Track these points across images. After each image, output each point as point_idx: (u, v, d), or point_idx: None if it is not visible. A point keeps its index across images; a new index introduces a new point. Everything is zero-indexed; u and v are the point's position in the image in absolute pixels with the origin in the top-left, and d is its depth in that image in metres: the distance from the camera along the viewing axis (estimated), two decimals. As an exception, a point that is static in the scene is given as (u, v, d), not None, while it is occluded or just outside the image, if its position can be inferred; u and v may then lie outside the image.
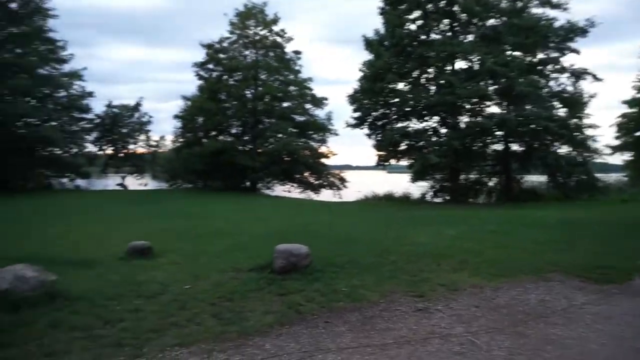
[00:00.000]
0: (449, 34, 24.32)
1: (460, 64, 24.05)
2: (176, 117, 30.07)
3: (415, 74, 25.02)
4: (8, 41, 24.97)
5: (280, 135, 28.89)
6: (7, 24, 24.83)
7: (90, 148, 31.38)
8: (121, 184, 31.09)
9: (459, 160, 23.42)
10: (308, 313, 4.81)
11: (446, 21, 24.45)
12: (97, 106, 47.26)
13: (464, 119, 24.47)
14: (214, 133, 29.31)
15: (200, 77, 30.37)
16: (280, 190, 30.37)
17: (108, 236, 9.59)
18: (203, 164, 27.31)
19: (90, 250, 7.95)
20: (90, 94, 28.45)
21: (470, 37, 24.12)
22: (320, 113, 30.57)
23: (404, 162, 26.50)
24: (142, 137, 32.72)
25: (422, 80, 25.20)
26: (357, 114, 26.01)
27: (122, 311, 4.59)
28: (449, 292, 5.64)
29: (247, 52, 29.83)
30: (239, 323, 4.39)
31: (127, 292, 5.25)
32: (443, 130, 24.74)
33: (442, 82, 23.32)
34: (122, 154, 32.19)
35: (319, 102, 30.42)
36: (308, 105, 30.53)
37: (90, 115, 29.67)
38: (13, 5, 25.01)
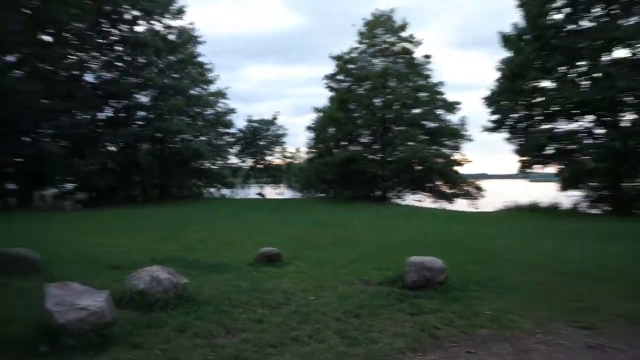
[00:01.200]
0: (605, 19, 21.06)
1: (620, 53, 20.66)
2: (309, 128, 31.13)
3: (562, 69, 22.16)
4: (168, 68, 28.45)
5: (410, 143, 27.97)
6: (167, 53, 28.31)
7: (234, 160, 34.16)
8: (260, 193, 33.14)
9: (621, 164, 20.01)
10: (445, 339, 4.13)
11: (600, 6, 21.22)
12: (239, 122, 51.67)
13: (628, 116, 20.89)
14: (344, 142, 29.59)
15: (331, 89, 31.03)
16: (412, 199, 29.37)
17: (243, 242, 9.92)
18: (334, 173, 27.71)
19: (224, 255, 8.21)
20: (233, 111, 30.96)
21: (633, 20, 20.55)
22: (452, 118, 28.96)
23: (550, 169, 23.60)
24: (279, 149, 34.59)
25: (572, 75, 22.20)
26: (495, 117, 23.98)
27: (246, 320, 4.44)
28: (631, 325, 4.45)
29: (375, 61, 29.63)
30: (365, 345, 3.91)
31: (252, 300, 5.14)
32: (599, 131, 21.45)
33: (597, 75, 20.25)
34: (261, 165, 34.36)
35: (451, 107, 28.84)
36: (439, 111, 29.14)
37: (233, 130, 32.31)
38: (172, 37, 28.49)
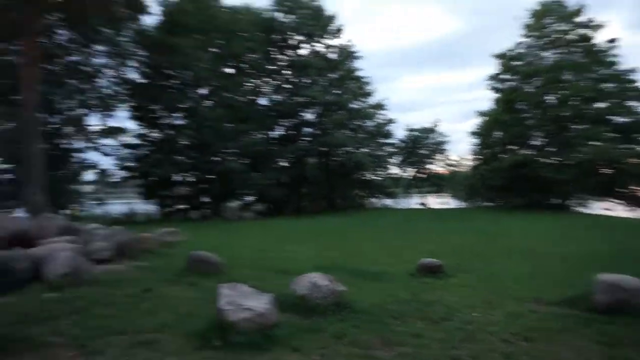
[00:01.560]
0: None
1: None
2: (472, 134, 29.49)
3: None
4: (330, 85, 30.07)
5: (594, 143, 24.26)
6: (329, 71, 29.96)
7: (395, 170, 34.29)
8: (422, 203, 32.50)
9: None
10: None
11: None
12: (399, 132, 51.83)
13: None
14: (512, 146, 27.21)
15: (495, 90, 28.96)
16: (599, 207, 25.38)
17: (404, 251, 9.76)
18: (501, 179, 25.66)
19: (385, 263, 8.17)
20: (392, 121, 31.11)
21: None
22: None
23: None
24: (440, 157, 33.52)
25: None
26: None
27: (404, 333, 4.27)
28: None
29: (545, 54, 26.67)
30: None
31: (411, 312, 4.94)
32: None
33: None
34: (422, 175, 33.75)
35: (648, 97, 24.23)
36: (631, 103, 24.69)
37: (393, 140, 32.45)
38: (332, 55, 30.10)
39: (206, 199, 28.01)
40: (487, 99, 56.85)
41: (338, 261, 8.35)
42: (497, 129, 27.81)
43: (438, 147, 32.93)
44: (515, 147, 27.08)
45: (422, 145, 32.93)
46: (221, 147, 26.07)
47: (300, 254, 9.24)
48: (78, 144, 23.89)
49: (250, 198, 28.81)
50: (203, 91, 28.07)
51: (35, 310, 4.15)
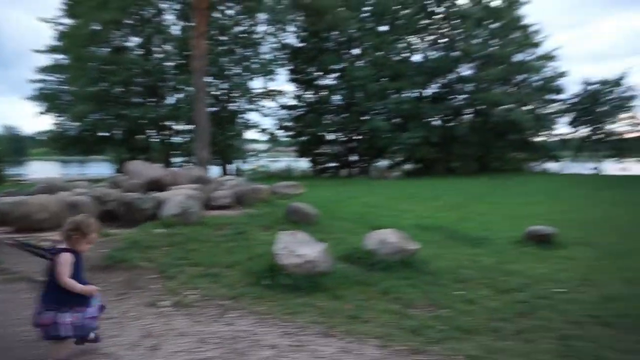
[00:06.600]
0: None
1: None
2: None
3: None
4: (491, 36, 27.44)
5: None
6: (490, 21, 27.30)
7: (565, 130, 30.10)
8: (596, 168, 28.04)
9: None
10: None
11: None
12: (573, 87, 44.37)
13: None
14: None
15: None
16: None
17: (527, 219, 8.81)
18: None
19: (497, 229, 7.60)
20: (563, 74, 27.14)
21: None
22: None
23: None
24: (625, 115, 28.12)
25: None
26: None
27: (457, 298, 4.07)
28: None
29: None
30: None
31: (483, 279, 4.62)
32: None
33: None
34: (599, 135, 28.94)
35: None
36: None
37: (564, 97, 28.38)
38: (496, 2, 27.27)
39: (355, 158, 28.90)
40: None
41: (447, 223, 8.04)
42: None
43: (623, 104, 27.58)
44: None
45: (601, 101, 27.99)
46: (370, 107, 26.33)
47: (412, 213, 9.10)
48: (243, 106, 26.80)
49: (398, 157, 28.71)
50: (356, 51, 28.45)
51: (143, 240, 5.09)
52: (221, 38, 24.96)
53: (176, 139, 26.07)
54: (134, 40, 25.00)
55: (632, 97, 27.55)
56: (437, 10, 28.04)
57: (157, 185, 7.15)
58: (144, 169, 7.43)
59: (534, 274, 4.84)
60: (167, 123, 24.94)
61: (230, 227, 6.09)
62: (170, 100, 24.95)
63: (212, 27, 22.18)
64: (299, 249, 4.33)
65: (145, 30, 24.22)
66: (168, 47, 24.82)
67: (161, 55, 24.86)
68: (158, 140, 25.74)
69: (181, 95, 24.35)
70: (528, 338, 3.29)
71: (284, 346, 3.08)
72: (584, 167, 28.59)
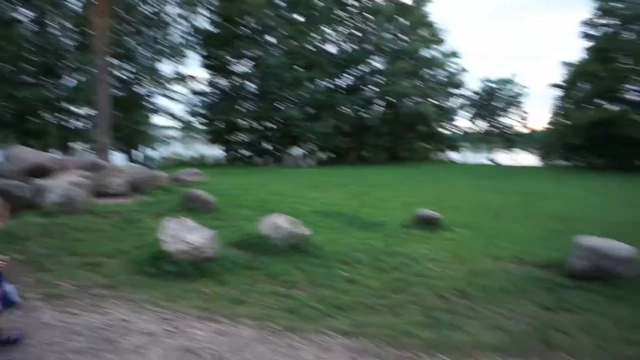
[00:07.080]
0: None
1: None
2: (554, 85, 26.87)
3: None
4: (400, 32, 28.66)
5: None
6: (399, 17, 28.49)
7: (464, 123, 32.49)
8: (491, 159, 30.72)
9: None
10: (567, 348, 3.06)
11: None
12: (473, 84, 48.07)
13: None
14: (599, 101, 24.43)
15: (588, 37, 25.82)
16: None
17: (424, 205, 9.41)
18: (580, 138, 23.32)
19: (392, 215, 8.01)
20: (464, 70, 29.26)
21: None
22: None
23: None
24: (516, 111, 31.05)
25: None
26: None
27: (340, 278, 4.27)
28: None
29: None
30: (439, 330, 3.23)
31: (369, 261, 4.87)
32: None
33: None
34: (494, 129, 31.68)
35: None
36: None
37: (464, 92, 30.59)
38: (409, 1, 28.47)
39: (269, 146, 28.85)
40: (576, 49, 51.39)
41: (348, 210, 8.33)
42: (584, 80, 25.04)
43: (515, 101, 30.43)
44: (603, 102, 24.28)
45: (497, 97, 30.64)
46: (284, 95, 26.37)
47: (314, 200, 9.32)
48: (151, 90, 25.49)
49: (311, 146, 29.13)
50: (271, 39, 28.23)
51: (18, 232, 4.71)
52: (127, 17, 23.45)
53: (77, 124, 24.17)
54: (26, 14, 22.65)
55: (522, 95, 30.45)
56: (352, 2, 28.69)
57: (41, 171, 6.61)
58: (29, 155, 6.82)
59: (417, 254, 5.20)
60: (65, 106, 23.00)
61: (120, 215, 5.84)
62: (70, 81, 23.04)
63: (117, 5, 20.74)
64: (186, 235, 4.27)
65: (38, 2, 22.03)
66: (67, 23, 22.83)
67: (58, 33, 22.81)
68: (55, 124, 23.67)
69: (82, 77, 22.57)
70: (398, 312, 3.55)
71: (160, 332, 3.04)
72: (482, 158, 31.15)
